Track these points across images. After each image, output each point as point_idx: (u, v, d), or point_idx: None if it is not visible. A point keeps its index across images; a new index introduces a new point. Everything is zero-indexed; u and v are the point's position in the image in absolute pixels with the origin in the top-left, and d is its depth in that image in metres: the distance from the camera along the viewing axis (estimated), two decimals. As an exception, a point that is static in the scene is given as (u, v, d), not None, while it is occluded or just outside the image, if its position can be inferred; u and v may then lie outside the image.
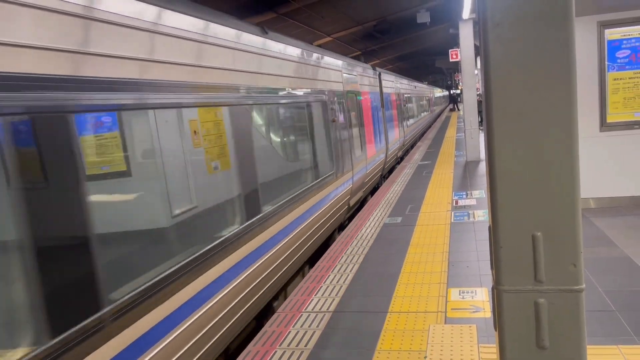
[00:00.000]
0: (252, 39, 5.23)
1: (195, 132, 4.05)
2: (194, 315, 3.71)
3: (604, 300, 4.08)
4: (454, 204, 8.09)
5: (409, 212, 7.86)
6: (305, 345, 3.88)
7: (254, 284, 4.77)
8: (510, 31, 1.74)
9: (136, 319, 3.07)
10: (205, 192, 4.18)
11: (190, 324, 3.66)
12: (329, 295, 4.83)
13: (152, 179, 3.54)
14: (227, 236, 4.26)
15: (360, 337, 3.94)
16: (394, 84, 16.63)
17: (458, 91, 48.29)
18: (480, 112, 13.41)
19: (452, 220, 7.10)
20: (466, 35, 12.68)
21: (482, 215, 7.22)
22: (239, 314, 4.50)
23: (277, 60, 5.90)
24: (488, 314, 4.07)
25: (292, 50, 6.60)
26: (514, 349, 1.91)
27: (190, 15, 4.12)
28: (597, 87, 6.63)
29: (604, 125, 6.72)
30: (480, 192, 8.75)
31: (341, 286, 5.04)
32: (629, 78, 6.57)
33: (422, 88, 29.63)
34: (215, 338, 4.05)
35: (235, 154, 4.61)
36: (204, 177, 4.16)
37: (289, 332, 4.13)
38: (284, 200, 5.62)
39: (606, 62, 6.59)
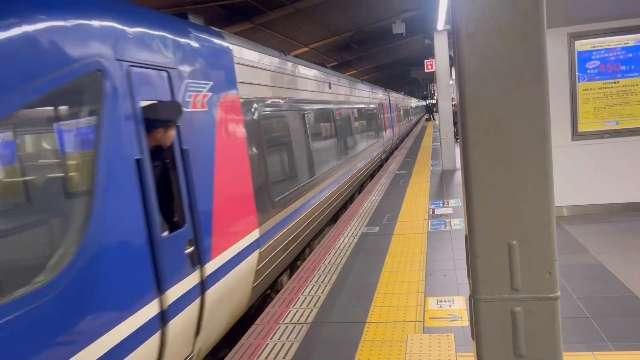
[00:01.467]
0: (365, 86, 16.21)
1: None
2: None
3: (579, 307, 4.13)
4: (431, 213, 8.15)
5: (386, 222, 7.89)
6: (283, 358, 3.83)
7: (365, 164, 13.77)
8: (483, 42, 1.76)
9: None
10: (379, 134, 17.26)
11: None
12: (307, 306, 4.80)
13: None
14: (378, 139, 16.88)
15: (339, 348, 3.91)
16: (394, 97, 26.61)
17: (434, 101, 48.91)
18: (455, 124, 13.60)
19: (429, 229, 7.15)
20: (441, 46, 12.87)
21: (458, 223, 7.28)
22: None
23: (370, 92, 16.88)
24: (466, 322, 4.09)
25: (372, 87, 17.96)
26: (492, 357, 1.91)
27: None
28: (568, 97, 6.77)
29: (576, 135, 6.86)
30: (457, 201, 8.84)
31: (319, 297, 5.00)
32: (599, 88, 6.73)
33: (407, 100, 41.39)
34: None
35: (376, 125, 17.14)
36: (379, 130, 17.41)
37: (267, 344, 4.08)
38: (375, 142, 16.23)
39: (577, 73, 6.74)
